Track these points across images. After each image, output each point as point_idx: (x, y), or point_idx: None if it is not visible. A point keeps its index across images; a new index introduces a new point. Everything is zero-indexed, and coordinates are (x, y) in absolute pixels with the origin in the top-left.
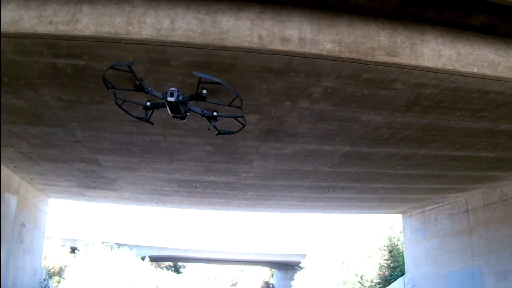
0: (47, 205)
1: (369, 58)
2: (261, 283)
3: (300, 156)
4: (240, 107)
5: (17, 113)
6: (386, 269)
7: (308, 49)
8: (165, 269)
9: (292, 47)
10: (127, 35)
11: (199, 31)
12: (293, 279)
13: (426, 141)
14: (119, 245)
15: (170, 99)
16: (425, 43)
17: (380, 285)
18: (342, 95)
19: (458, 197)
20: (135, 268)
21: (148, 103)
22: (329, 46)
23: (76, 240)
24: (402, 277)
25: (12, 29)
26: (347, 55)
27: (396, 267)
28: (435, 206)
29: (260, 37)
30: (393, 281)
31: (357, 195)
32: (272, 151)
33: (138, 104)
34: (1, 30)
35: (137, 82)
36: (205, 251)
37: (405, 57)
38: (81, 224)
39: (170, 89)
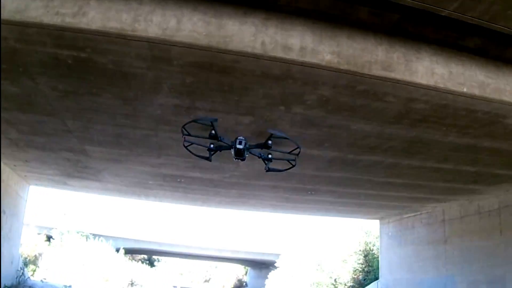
0: (27, 192)
1: (366, 71)
2: (235, 280)
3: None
4: (297, 155)
5: (11, 99)
6: (360, 273)
7: (308, 58)
8: (139, 262)
9: (293, 55)
10: (133, 32)
11: (204, 33)
12: (267, 278)
13: (411, 152)
14: (95, 235)
15: (239, 146)
16: (420, 61)
17: None
18: (336, 103)
19: (436, 207)
20: (110, 260)
21: (212, 146)
22: (328, 57)
23: (52, 229)
24: (376, 282)
25: (17, 17)
26: (345, 67)
27: (370, 272)
28: (412, 214)
29: (263, 43)
30: (366, 285)
31: (339, 199)
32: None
33: (203, 146)
34: (6, 17)
35: (212, 132)
36: (180, 245)
37: (400, 73)
38: (57, 212)
39: (239, 138)
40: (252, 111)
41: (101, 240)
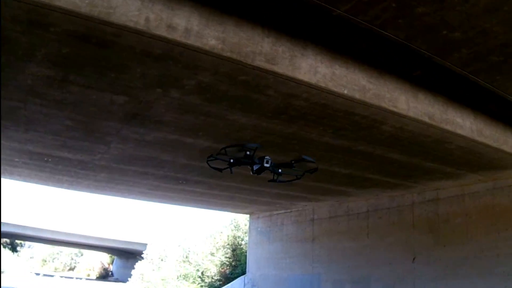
0: None
1: (249, 61)
2: (100, 269)
3: (160, 145)
4: (311, 173)
5: None
6: (228, 267)
7: (192, 41)
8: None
9: (177, 36)
10: None
11: (86, 1)
12: (133, 268)
13: (285, 149)
14: None
15: (266, 165)
16: (304, 58)
17: (220, 282)
18: (215, 91)
19: (306, 206)
20: None
21: (232, 160)
22: (213, 42)
23: None
24: (242, 276)
25: None
26: (228, 54)
27: (238, 266)
28: (282, 211)
29: (147, 19)
30: (233, 279)
31: (210, 191)
32: (133, 135)
33: (224, 161)
34: None
35: (247, 153)
36: (45, 230)
37: (283, 67)
38: None
39: (266, 157)
40: (128, 91)
41: None
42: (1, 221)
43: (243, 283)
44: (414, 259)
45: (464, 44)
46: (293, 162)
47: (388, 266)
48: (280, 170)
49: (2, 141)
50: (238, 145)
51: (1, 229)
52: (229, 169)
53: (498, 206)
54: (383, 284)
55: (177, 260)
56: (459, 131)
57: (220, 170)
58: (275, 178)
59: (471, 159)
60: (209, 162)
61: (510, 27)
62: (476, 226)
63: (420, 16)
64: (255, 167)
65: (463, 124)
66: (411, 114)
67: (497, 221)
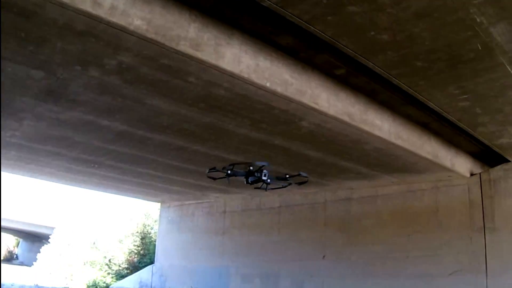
0: None
1: (173, 45)
2: (5, 252)
3: (74, 125)
4: (299, 185)
5: None
6: (136, 256)
7: (116, 19)
8: None
9: (102, 12)
10: None
11: None
12: (39, 252)
13: (201, 138)
14: None
15: (264, 178)
16: (229, 47)
17: (128, 271)
18: (135, 73)
19: (218, 197)
20: None
21: (229, 171)
22: (138, 22)
23: None
24: (151, 266)
25: None
26: (153, 36)
27: (146, 255)
28: (194, 202)
29: None
30: (141, 268)
31: (122, 176)
32: (48, 113)
33: (221, 172)
34: None
35: (250, 168)
36: None
37: (207, 54)
38: None
39: (264, 171)
40: (46, 66)
41: None
42: None
43: (151, 272)
44: (324, 256)
45: (391, 46)
46: (287, 176)
47: (298, 262)
48: (269, 180)
49: None
50: (247, 163)
51: None
52: (228, 179)
53: (410, 209)
54: (292, 280)
55: (84, 246)
56: (377, 133)
57: (214, 179)
58: (263, 186)
59: (386, 161)
60: (208, 172)
61: (438, 34)
62: (387, 227)
63: (350, 15)
64: (251, 179)
65: (382, 126)
66: (331, 112)
67: (408, 224)
